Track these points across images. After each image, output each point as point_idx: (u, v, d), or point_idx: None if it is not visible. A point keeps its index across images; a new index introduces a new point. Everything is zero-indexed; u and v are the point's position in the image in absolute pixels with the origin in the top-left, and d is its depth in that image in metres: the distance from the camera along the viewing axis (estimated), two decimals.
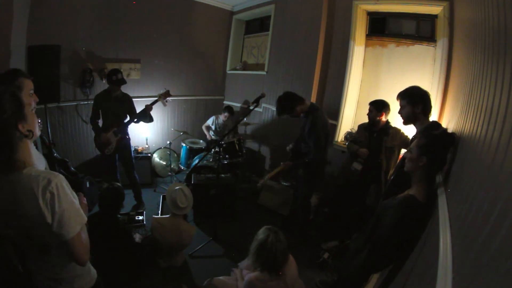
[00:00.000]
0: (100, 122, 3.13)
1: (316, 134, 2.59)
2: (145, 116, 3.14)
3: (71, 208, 1.02)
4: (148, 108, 3.13)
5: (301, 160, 2.74)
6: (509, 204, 0.58)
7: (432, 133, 1.51)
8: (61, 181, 0.99)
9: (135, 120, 3.13)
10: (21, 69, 1.42)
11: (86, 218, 1.09)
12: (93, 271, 1.26)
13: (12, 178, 0.96)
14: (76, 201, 1.06)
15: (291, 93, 2.70)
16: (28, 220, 0.97)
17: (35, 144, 1.75)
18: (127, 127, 3.16)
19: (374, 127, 2.74)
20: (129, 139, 3.24)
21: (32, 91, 1.39)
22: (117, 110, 3.06)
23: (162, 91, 3.38)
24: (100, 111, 3.07)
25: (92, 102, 3.15)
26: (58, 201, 0.96)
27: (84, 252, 1.06)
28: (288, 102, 2.63)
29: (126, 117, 3.13)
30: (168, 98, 3.41)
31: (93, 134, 3.12)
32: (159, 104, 3.32)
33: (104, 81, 3.83)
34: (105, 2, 3.71)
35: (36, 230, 1.00)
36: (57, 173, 1.01)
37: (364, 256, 1.42)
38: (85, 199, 1.31)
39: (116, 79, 2.95)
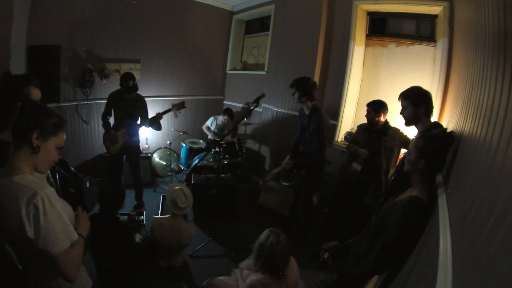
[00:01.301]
0: (111, 120, 3.13)
1: (321, 134, 2.63)
2: (155, 123, 3.13)
3: (57, 224, 0.97)
4: (158, 117, 3.12)
5: (302, 160, 2.75)
6: (509, 204, 0.58)
7: (430, 133, 1.49)
8: (48, 195, 0.95)
9: (146, 124, 3.13)
10: (34, 77, 1.45)
11: (76, 235, 1.04)
12: (88, 281, 1.23)
13: (4, 183, 0.95)
14: (64, 216, 1.01)
15: (315, 83, 2.73)
16: (8, 229, 0.94)
17: None
18: (138, 129, 3.15)
19: (373, 127, 2.75)
20: (138, 140, 3.24)
21: (38, 99, 1.44)
22: (130, 112, 3.05)
23: (176, 102, 3.36)
24: (112, 109, 3.07)
25: (95, 102, 3.15)
26: (43, 216, 0.92)
27: (73, 270, 1.01)
28: (308, 84, 2.64)
29: (138, 119, 3.12)
30: (181, 109, 3.39)
31: (93, 133, 3.12)
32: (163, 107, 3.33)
33: (104, 81, 3.83)
34: (105, 2, 3.70)
35: (17, 241, 0.96)
36: (46, 186, 0.98)
37: (371, 260, 1.40)
38: (85, 213, 1.26)
39: (126, 86, 2.92)
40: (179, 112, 3.42)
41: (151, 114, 3.19)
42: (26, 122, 0.98)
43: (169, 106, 3.37)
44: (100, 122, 3.19)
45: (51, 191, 0.98)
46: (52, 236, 0.94)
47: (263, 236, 1.73)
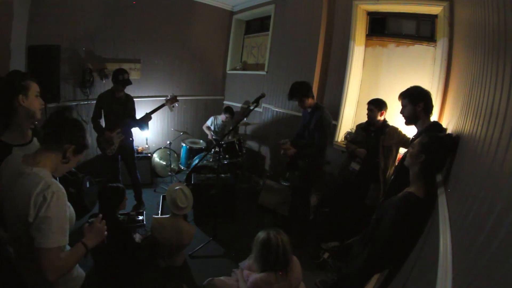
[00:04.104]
0: (102, 122, 3.10)
1: (322, 129, 2.66)
2: (144, 124, 3.13)
3: (55, 221, 1.00)
4: (148, 117, 3.13)
5: (305, 151, 2.75)
6: (509, 204, 0.58)
7: (436, 134, 1.53)
8: (59, 193, 1.03)
9: (137, 125, 3.13)
10: (29, 72, 1.42)
11: (65, 242, 1.05)
12: (81, 271, 1.30)
13: (25, 170, 1.03)
14: (66, 218, 1.05)
15: (309, 84, 2.78)
16: (16, 212, 1.00)
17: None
18: (131, 128, 3.15)
19: (372, 126, 2.75)
20: (132, 140, 3.24)
21: (38, 94, 1.41)
22: (120, 111, 3.03)
23: (169, 96, 3.37)
24: (102, 111, 3.04)
25: (94, 101, 3.13)
26: (46, 207, 0.98)
27: (53, 270, 1.01)
28: (303, 89, 2.69)
29: (129, 119, 3.11)
30: (175, 103, 3.40)
31: (93, 133, 3.10)
32: (163, 108, 3.33)
33: (104, 81, 3.82)
34: (105, 2, 3.71)
35: (21, 225, 1.02)
36: (61, 186, 1.05)
37: (365, 257, 1.42)
38: (103, 223, 1.26)
39: (122, 79, 2.92)
40: (173, 106, 3.43)
41: (142, 114, 3.20)
42: (66, 134, 1.09)
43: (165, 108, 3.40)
44: (101, 122, 3.16)
45: (63, 193, 1.05)
46: (46, 228, 0.98)
47: (261, 236, 1.71)
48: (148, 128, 3.22)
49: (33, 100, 1.35)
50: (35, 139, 1.42)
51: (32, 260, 1.05)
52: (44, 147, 1.10)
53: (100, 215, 1.30)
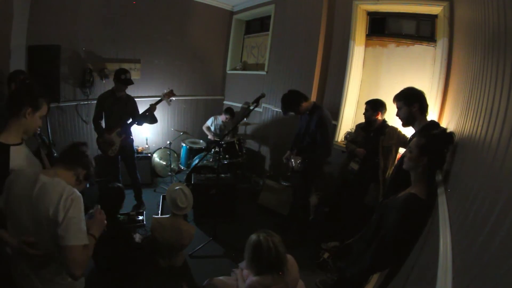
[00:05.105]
0: (102, 123, 3.10)
1: (324, 128, 2.65)
2: (149, 116, 3.12)
3: (79, 222, 1.15)
4: (153, 108, 3.11)
5: (310, 154, 2.75)
6: (509, 204, 0.58)
7: (431, 132, 1.52)
8: (80, 198, 1.19)
9: (139, 122, 3.12)
10: (46, 94, 1.48)
11: (87, 241, 1.18)
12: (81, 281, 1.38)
13: (45, 179, 1.16)
14: (84, 223, 1.19)
15: (296, 90, 2.75)
16: (41, 221, 1.11)
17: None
18: (131, 128, 3.15)
19: (371, 126, 2.75)
20: (132, 140, 3.24)
21: (42, 116, 1.47)
22: (121, 111, 3.03)
23: (166, 91, 3.39)
24: (103, 111, 3.04)
25: (95, 102, 3.13)
26: (73, 208, 1.12)
27: (78, 267, 1.13)
28: (293, 99, 2.68)
29: (129, 118, 3.11)
30: (172, 97, 3.42)
31: (93, 133, 3.09)
32: (161, 103, 3.33)
33: (104, 81, 3.82)
34: (105, 2, 3.70)
35: (49, 227, 1.12)
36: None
37: (369, 257, 1.41)
38: (103, 213, 1.42)
39: (125, 78, 2.93)
40: (170, 100, 3.43)
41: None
42: (81, 159, 1.31)
43: (163, 103, 3.40)
44: (102, 123, 3.16)
45: (82, 199, 1.19)
46: (73, 227, 1.12)
47: (252, 239, 1.67)
48: (156, 120, 3.20)
49: (35, 120, 1.42)
50: (24, 142, 1.46)
51: (42, 265, 1.16)
52: (61, 166, 1.26)
53: (99, 206, 1.44)
